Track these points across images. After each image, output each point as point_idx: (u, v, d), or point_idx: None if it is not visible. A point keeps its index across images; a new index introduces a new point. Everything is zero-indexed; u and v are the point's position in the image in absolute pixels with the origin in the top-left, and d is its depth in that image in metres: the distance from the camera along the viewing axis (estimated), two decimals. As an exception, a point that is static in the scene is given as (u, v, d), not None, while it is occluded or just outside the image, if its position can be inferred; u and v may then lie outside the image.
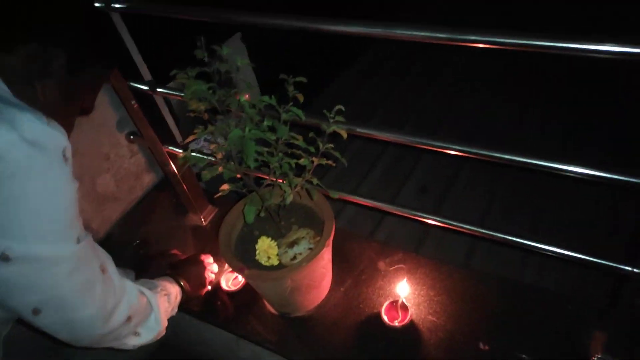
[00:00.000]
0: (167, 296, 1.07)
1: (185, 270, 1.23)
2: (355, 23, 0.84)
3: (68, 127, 0.77)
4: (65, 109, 0.77)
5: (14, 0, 0.67)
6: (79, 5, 0.79)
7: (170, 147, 1.41)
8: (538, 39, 0.71)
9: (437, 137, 0.93)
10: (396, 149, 2.57)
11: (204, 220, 1.58)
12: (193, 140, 1.34)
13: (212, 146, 1.03)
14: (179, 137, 1.48)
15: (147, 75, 1.31)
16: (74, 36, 0.74)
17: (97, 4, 1.04)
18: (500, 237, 1.02)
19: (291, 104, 0.93)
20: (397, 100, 3.05)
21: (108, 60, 0.87)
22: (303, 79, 0.95)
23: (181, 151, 1.41)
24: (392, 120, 2.88)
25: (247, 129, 0.86)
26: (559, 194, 2.09)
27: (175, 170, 1.45)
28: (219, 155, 1.07)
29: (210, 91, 0.89)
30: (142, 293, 0.95)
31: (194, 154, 1.01)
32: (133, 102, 1.25)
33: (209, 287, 1.31)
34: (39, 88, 0.70)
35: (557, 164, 0.82)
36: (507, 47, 0.73)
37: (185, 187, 1.49)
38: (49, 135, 0.64)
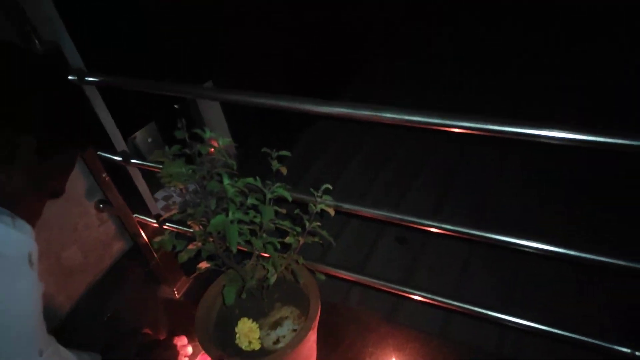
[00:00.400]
0: None
1: (155, 356, 1.13)
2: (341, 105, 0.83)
3: (36, 215, 0.70)
4: (34, 196, 0.70)
5: None
6: (51, 82, 0.74)
7: (142, 217, 1.33)
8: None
9: (421, 215, 0.91)
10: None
11: (177, 293, 1.48)
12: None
13: (195, 226, 0.98)
14: (152, 206, 1.40)
15: (119, 144, 1.26)
16: (45, 117, 0.68)
17: (70, 77, 1.00)
18: (481, 313, 0.98)
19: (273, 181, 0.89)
20: (354, 171, 3.04)
21: (83, 140, 0.81)
22: (287, 153, 0.92)
23: (154, 221, 1.34)
24: (352, 189, 2.85)
25: (230, 213, 0.80)
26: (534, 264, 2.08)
27: (147, 241, 1.37)
28: (196, 228, 1.01)
29: (190, 171, 0.85)
30: None
31: (168, 233, 0.94)
32: (104, 174, 1.19)
33: None
34: (4, 177, 0.63)
35: (523, 240, 0.83)
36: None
37: (157, 258, 1.40)
38: (14, 241, 0.58)
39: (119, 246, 1.65)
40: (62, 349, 0.73)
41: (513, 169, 2.74)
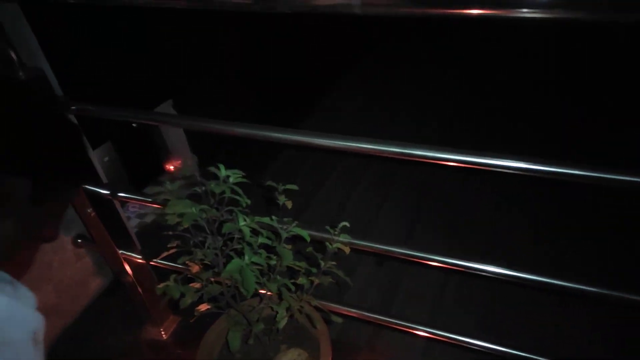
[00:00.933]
0: None
1: None
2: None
3: (28, 266, 0.61)
4: (27, 245, 0.62)
5: None
6: (42, 114, 0.65)
7: (128, 253, 1.23)
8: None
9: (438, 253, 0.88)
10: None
11: (165, 334, 1.37)
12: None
13: (194, 266, 0.90)
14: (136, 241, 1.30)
15: (104, 177, 1.16)
16: (39, 154, 0.59)
17: (58, 108, 0.91)
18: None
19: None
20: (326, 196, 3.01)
21: (76, 179, 0.73)
22: (294, 187, 0.86)
23: (140, 257, 1.24)
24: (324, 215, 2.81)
25: (247, 257, 0.74)
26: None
27: (132, 278, 1.27)
28: (195, 269, 0.93)
29: (199, 211, 0.77)
30: None
31: (170, 282, 0.85)
32: (89, 209, 1.09)
33: None
34: None
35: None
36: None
37: (142, 295, 1.30)
38: (18, 319, 0.49)
39: (96, 284, 1.53)
40: None
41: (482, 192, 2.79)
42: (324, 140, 0.76)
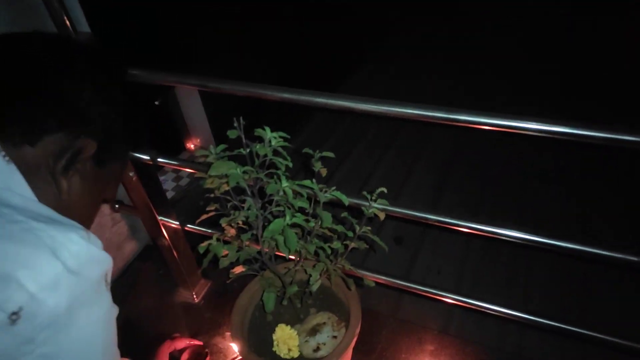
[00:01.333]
0: None
1: None
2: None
3: (88, 223, 0.65)
4: (90, 205, 0.65)
5: (35, 80, 0.57)
6: (113, 80, 0.67)
7: (166, 219, 1.28)
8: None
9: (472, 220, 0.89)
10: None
11: (197, 297, 1.43)
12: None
13: (231, 230, 0.93)
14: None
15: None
16: (106, 120, 0.63)
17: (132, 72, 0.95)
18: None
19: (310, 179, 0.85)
20: (356, 161, 3.04)
21: (136, 142, 0.75)
22: (331, 154, 0.89)
23: (177, 223, 1.29)
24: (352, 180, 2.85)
25: (288, 217, 0.77)
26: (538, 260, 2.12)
27: (169, 242, 1.32)
28: (231, 233, 0.97)
29: (243, 172, 0.81)
30: None
31: (213, 240, 0.89)
32: (131, 173, 1.13)
33: None
34: (65, 185, 0.58)
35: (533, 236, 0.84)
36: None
37: (178, 259, 1.35)
38: (93, 259, 0.53)
39: (130, 248, 1.60)
40: None
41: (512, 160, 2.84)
42: (354, 104, 0.79)
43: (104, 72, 0.64)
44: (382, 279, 1.03)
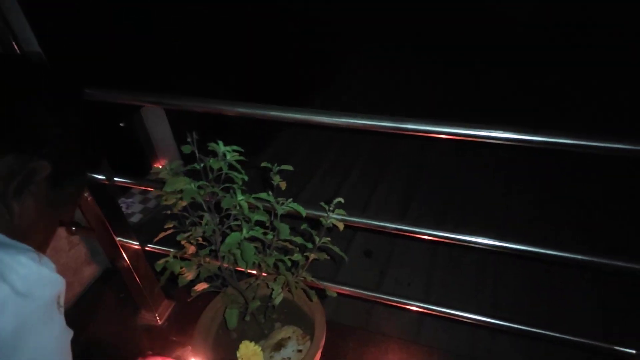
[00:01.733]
0: None
1: None
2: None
3: (44, 247, 0.63)
4: (45, 228, 0.63)
5: None
6: (67, 95, 0.65)
7: (125, 239, 1.25)
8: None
9: (432, 228, 0.91)
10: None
11: (160, 318, 1.39)
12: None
13: (190, 247, 0.92)
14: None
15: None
16: (61, 142, 0.60)
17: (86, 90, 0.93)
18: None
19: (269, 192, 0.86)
20: (323, 175, 3.07)
21: (94, 163, 0.73)
22: (289, 167, 0.89)
23: (136, 243, 1.26)
24: (319, 196, 2.88)
25: (244, 231, 0.76)
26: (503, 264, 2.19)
27: (129, 264, 1.28)
28: (191, 250, 0.95)
29: (197, 187, 0.80)
30: None
31: (170, 257, 0.88)
32: (86, 194, 1.10)
33: None
34: (17, 209, 0.56)
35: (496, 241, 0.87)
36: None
37: (139, 281, 1.32)
38: (43, 281, 0.51)
39: (90, 272, 1.54)
40: None
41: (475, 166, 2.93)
42: (321, 117, 0.80)
43: (57, 92, 0.62)
44: (344, 289, 1.03)
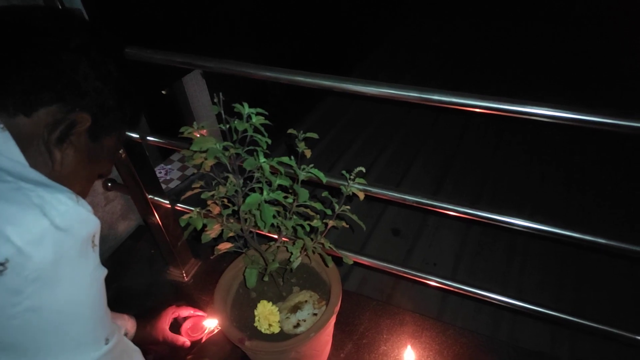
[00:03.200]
0: None
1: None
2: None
3: (82, 197, 0.67)
4: (83, 179, 0.67)
5: (33, 52, 0.57)
6: (109, 56, 0.66)
7: (156, 197, 1.30)
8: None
9: (446, 200, 0.90)
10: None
11: (186, 275, 1.46)
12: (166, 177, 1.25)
13: (215, 207, 0.95)
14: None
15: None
16: (101, 96, 0.63)
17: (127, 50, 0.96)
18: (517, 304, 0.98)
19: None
20: (360, 149, 3.06)
21: (134, 120, 0.76)
22: (315, 135, 0.90)
23: (167, 202, 1.31)
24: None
25: (265, 192, 0.78)
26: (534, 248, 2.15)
27: (159, 221, 1.34)
28: (216, 210, 0.98)
29: (222, 148, 0.82)
30: None
31: (194, 213, 0.91)
32: (120, 151, 1.15)
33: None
34: (58, 157, 0.60)
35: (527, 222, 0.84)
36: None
37: (168, 239, 1.37)
38: (80, 219, 0.55)
39: (123, 227, 1.62)
40: (124, 338, 0.71)
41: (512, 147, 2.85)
42: (333, 83, 0.80)
43: (100, 48, 0.65)
44: (361, 259, 1.04)
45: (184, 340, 1.21)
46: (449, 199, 0.89)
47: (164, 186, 2.56)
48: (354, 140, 2.97)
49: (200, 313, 1.28)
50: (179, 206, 1.32)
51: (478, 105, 0.75)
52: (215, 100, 0.77)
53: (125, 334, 1.09)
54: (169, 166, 2.80)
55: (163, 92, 2.46)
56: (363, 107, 3.25)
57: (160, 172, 2.68)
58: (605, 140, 2.70)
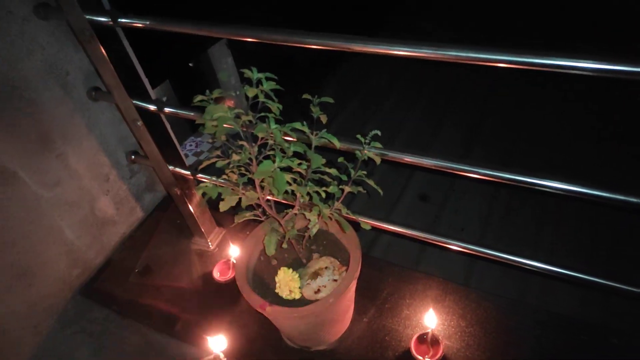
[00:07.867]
0: None
1: None
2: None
3: None
4: None
5: None
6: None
7: (177, 168, 1.31)
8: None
9: (470, 163, 0.87)
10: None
11: (212, 244, 1.48)
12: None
13: (233, 176, 0.95)
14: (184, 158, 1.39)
15: (152, 94, 1.23)
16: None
17: (102, 19, 0.96)
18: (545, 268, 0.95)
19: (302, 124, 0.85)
20: (386, 111, 3.00)
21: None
22: (330, 99, 0.88)
23: (188, 172, 1.33)
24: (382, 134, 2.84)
25: (277, 159, 0.77)
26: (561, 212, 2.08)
27: (181, 192, 1.36)
28: (234, 179, 0.99)
29: (234, 116, 0.81)
30: None
31: (209, 183, 0.92)
32: (139, 122, 1.16)
33: None
34: None
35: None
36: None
37: (191, 209, 1.40)
38: None
39: (150, 198, 1.65)
40: None
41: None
42: (354, 44, 0.76)
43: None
44: (379, 224, 1.03)
45: None
46: (478, 161, 0.85)
47: (194, 158, 2.62)
48: (379, 108, 2.91)
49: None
50: (200, 176, 1.33)
51: (499, 59, 0.70)
52: (224, 66, 0.75)
53: None
54: (199, 138, 2.84)
55: (190, 64, 2.47)
56: (384, 73, 3.17)
57: (191, 145, 2.74)
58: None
